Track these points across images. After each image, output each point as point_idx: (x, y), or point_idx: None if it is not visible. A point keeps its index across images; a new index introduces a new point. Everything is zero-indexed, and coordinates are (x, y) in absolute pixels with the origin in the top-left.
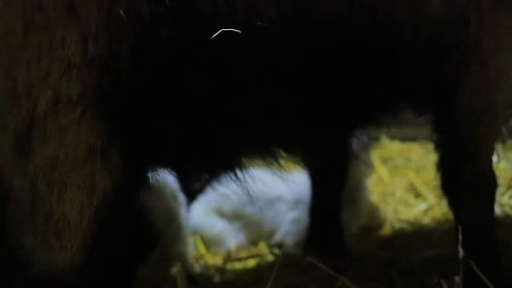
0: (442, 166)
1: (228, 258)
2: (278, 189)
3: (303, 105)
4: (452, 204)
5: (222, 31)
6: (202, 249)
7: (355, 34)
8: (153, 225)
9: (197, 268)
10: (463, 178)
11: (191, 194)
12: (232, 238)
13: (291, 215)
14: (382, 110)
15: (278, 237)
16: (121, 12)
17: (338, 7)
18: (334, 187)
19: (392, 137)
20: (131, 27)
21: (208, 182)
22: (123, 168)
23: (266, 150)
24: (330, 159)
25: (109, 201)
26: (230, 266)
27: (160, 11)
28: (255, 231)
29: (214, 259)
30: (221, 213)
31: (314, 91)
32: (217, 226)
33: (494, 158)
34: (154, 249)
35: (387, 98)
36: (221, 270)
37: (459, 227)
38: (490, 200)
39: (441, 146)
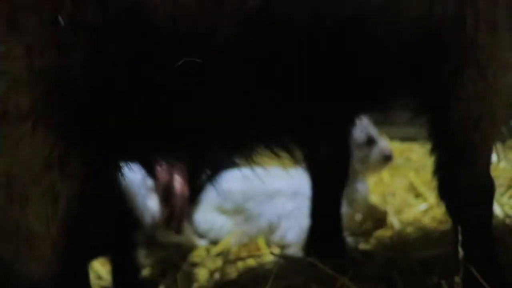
0: (439, 170)
1: (228, 258)
2: (278, 183)
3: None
4: (450, 208)
5: (185, 60)
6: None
7: (345, 33)
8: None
9: (196, 268)
10: (460, 183)
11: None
12: (232, 233)
13: (290, 206)
14: (377, 109)
15: (278, 233)
16: (61, 20)
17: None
18: (335, 187)
19: (392, 137)
20: (80, 36)
21: (208, 181)
22: (86, 175)
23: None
24: (331, 159)
25: (75, 209)
26: (229, 266)
27: (107, 19)
28: (255, 225)
29: (214, 259)
30: (221, 210)
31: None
32: (217, 223)
33: (494, 158)
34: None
35: (381, 98)
36: (220, 270)
37: (459, 228)
38: (488, 204)
39: (437, 151)
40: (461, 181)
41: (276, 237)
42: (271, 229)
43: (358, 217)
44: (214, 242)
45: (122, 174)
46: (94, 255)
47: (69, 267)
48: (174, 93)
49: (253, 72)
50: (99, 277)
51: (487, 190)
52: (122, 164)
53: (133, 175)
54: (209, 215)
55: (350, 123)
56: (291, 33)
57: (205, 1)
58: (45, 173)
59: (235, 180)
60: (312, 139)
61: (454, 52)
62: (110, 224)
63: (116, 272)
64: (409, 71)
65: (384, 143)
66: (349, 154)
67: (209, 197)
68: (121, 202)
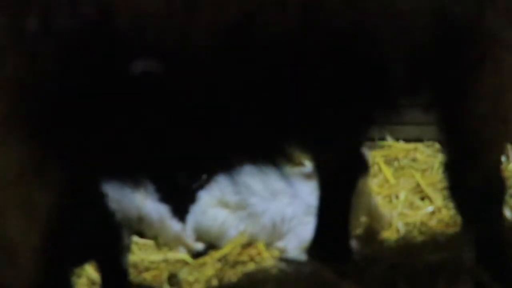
0: (448, 169)
1: (227, 261)
2: (280, 182)
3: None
4: (459, 207)
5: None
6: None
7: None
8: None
9: (195, 272)
10: (469, 182)
11: (190, 193)
12: (233, 229)
13: (290, 210)
14: (390, 110)
15: (281, 243)
16: (30, 25)
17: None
18: (344, 190)
19: (397, 137)
20: (53, 43)
21: (207, 180)
22: (65, 184)
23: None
24: (341, 163)
25: (55, 217)
26: (229, 270)
27: (77, 25)
28: (257, 222)
29: (213, 263)
30: (224, 204)
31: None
32: (219, 218)
33: (503, 159)
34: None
35: (394, 98)
36: (219, 274)
37: (467, 231)
38: (498, 204)
39: (447, 147)
40: (471, 180)
41: (277, 246)
42: (274, 229)
43: (362, 219)
44: (213, 245)
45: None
46: (79, 261)
47: (51, 275)
48: (149, 102)
49: (235, 84)
50: (93, 283)
51: (497, 189)
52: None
53: None
54: (210, 212)
55: (364, 125)
56: (276, 48)
57: (174, 11)
58: (21, 183)
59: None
60: (322, 143)
61: (473, 47)
62: (92, 228)
63: (104, 277)
64: (426, 67)
65: None
66: (359, 157)
67: (210, 191)
68: (101, 205)
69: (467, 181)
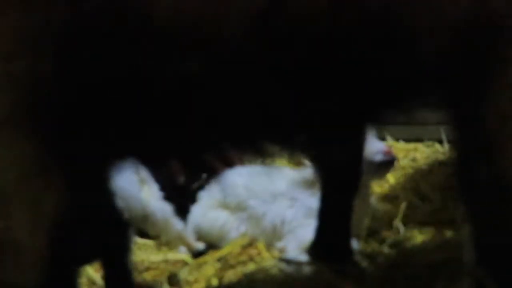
0: (459, 168)
1: (227, 261)
2: (280, 184)
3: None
4: (469, 209)
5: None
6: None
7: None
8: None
9: (195, 272)
10: (482, 183)
11: (191, 194)
12: (234, 230)
13: (290, 213)
14: (402, 110)
15: (281, 243)
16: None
17: None
18: (347, 191)
19: (397, 137)
20: (53, 42)
21: (207, 180)
22: (71, 183)
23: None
24: (344, 162)
25: (61, 217)
26: (229, 270)
27: (83, 20)
28: (257, 224)
29: (212, 263)
30: (225, 205)
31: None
32: (219, 220)
33: None
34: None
35: (408, 97)
36: (219, 274)
37: (469, 231)
38: (508, 203)
39: (460, 145)
40: (483, 180)
41: (277, 246)
42: (274, 231)
43: (363, 219)
44: (213, 245)
45: (111, 176)
46: (84, 261)
47: (56, 274)
48: (174, 95)
49: (263, 73)
50: (93, 283)
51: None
52: (110, 166)
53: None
54: (210, 213)
55: (369, 124)
56: (305, 33)
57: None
58: (27, 182)
59: (239, 176)
60: (328, 141)
61: (501, 43)
62: (99, 227)
63: (108, 276)
64: (445, 65)
65: (377, 145)
66: (363, 157)
67: (211, 192)
68: (110, 204)
69: (480, 181)
